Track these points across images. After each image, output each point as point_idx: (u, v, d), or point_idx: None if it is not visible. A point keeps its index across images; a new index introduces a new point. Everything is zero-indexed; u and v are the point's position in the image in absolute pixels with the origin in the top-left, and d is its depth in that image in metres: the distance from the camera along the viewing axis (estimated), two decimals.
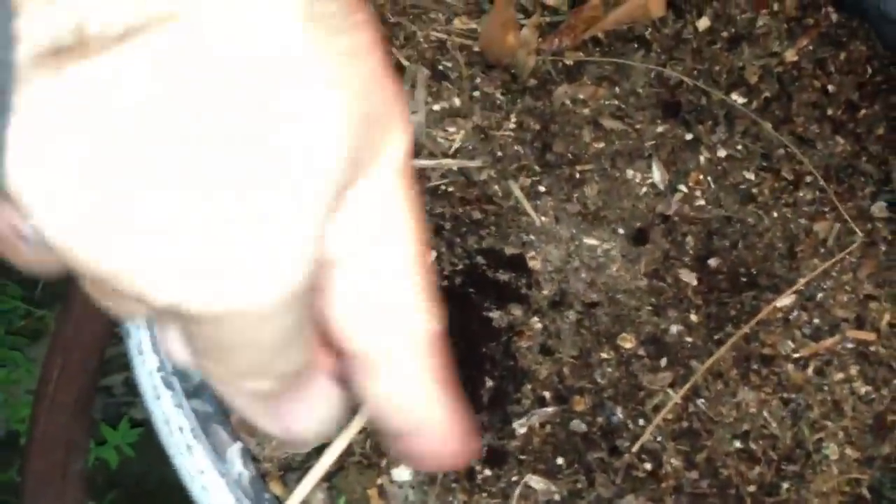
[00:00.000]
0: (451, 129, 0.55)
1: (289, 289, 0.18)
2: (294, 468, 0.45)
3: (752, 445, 0.49)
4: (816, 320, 0.52)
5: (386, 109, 0.19)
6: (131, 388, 0.78)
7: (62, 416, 0.56)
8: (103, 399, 0.78)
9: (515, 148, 0.55)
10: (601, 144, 0.55)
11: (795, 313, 0.52)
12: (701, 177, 0.55)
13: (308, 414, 0.22)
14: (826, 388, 0.50)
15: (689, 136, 0.56)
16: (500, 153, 0.55)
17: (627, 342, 0.50)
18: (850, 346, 0.51)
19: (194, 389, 0.40)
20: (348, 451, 0.45)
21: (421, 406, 0.21)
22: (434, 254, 0.51)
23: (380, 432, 0.23)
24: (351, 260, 0.19)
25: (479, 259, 0.51)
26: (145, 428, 0.76)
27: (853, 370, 0.51)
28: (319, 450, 0.45)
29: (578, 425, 0.48)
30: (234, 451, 0.40)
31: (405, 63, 0.56)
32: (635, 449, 0.48)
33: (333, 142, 0.18)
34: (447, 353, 0.22)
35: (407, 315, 0.20)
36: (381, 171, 0.19)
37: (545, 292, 0.51)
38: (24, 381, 0.75)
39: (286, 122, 0.17)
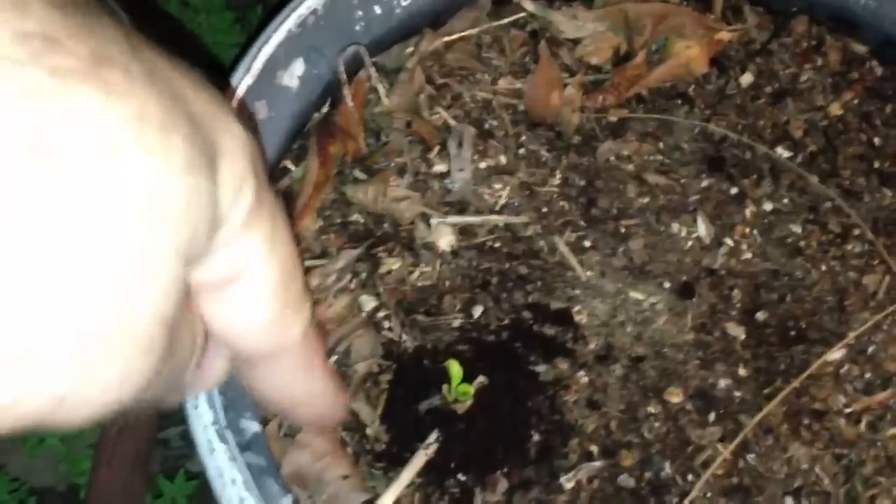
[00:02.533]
0: (498, 186, 0.56)
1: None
2: None
3: (805, 502, 0.48)
4: (868, 374, 0.51)
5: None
6: (187, 440, 0.80)
7: (121, 469, 0.57)
8: (160, 452, 0.80)
9: (561, 204, 0.56)
10: (646, 199, 0.56)
11: (846, 367, 0.51)
12: (747, 230, 0.55)
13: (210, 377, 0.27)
14: (879, 443, 0.50)
15: (734, 191, 0.57)
16: (545, 209, 0.56)
17: (675, 396, 0.50)
18: None
19: (247, 443, 0.41)
20: None
21: (296, 389, 0.27)
22: (480, 308, 0.52)
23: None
24: (220, 289, 0.23)
25: (526, 314, 0.52)
26: (200, 480, 0.77)
27: None
28: (370, 502, 0.46)
29: (626, 480, 0.48)
30: None
31: (452, 122, 0.58)
32: None
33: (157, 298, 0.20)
34: (318, 338, 0.27)
35: (279, 324, 0.24)
36: (229, 232, 0.22)
37: (591, 346, 0.52)
38: (85, 435, 0.77)
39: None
